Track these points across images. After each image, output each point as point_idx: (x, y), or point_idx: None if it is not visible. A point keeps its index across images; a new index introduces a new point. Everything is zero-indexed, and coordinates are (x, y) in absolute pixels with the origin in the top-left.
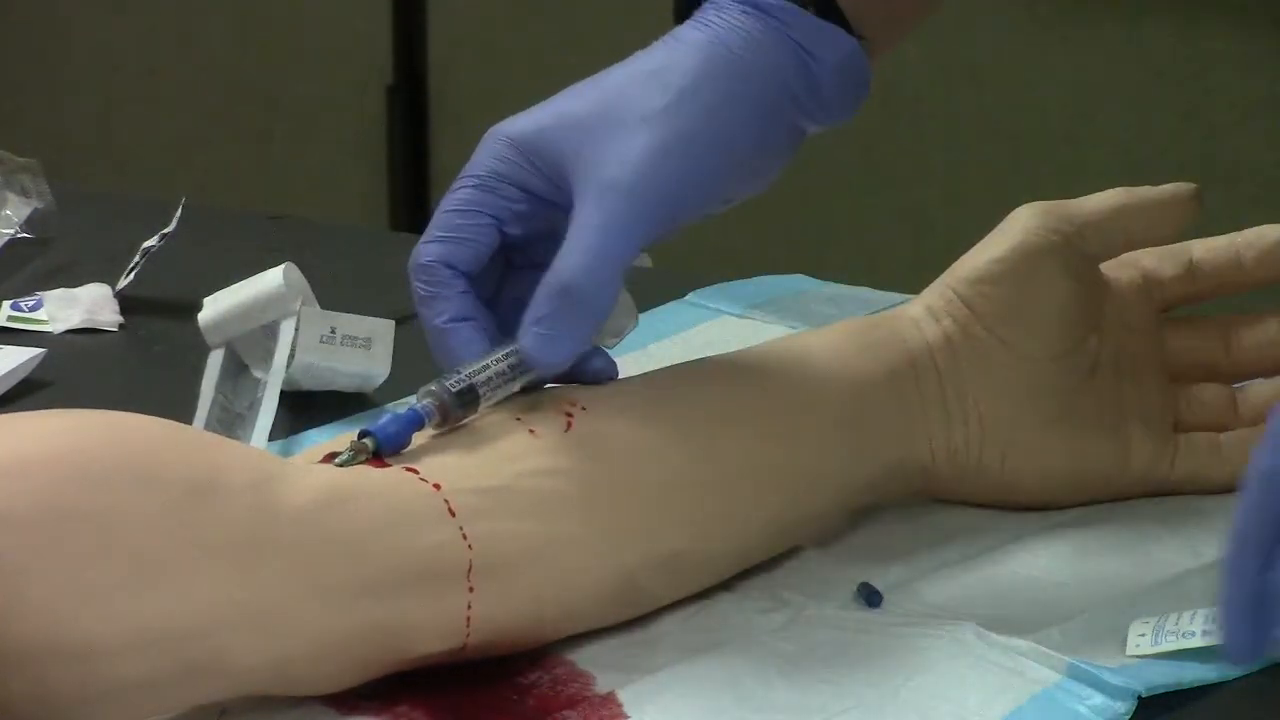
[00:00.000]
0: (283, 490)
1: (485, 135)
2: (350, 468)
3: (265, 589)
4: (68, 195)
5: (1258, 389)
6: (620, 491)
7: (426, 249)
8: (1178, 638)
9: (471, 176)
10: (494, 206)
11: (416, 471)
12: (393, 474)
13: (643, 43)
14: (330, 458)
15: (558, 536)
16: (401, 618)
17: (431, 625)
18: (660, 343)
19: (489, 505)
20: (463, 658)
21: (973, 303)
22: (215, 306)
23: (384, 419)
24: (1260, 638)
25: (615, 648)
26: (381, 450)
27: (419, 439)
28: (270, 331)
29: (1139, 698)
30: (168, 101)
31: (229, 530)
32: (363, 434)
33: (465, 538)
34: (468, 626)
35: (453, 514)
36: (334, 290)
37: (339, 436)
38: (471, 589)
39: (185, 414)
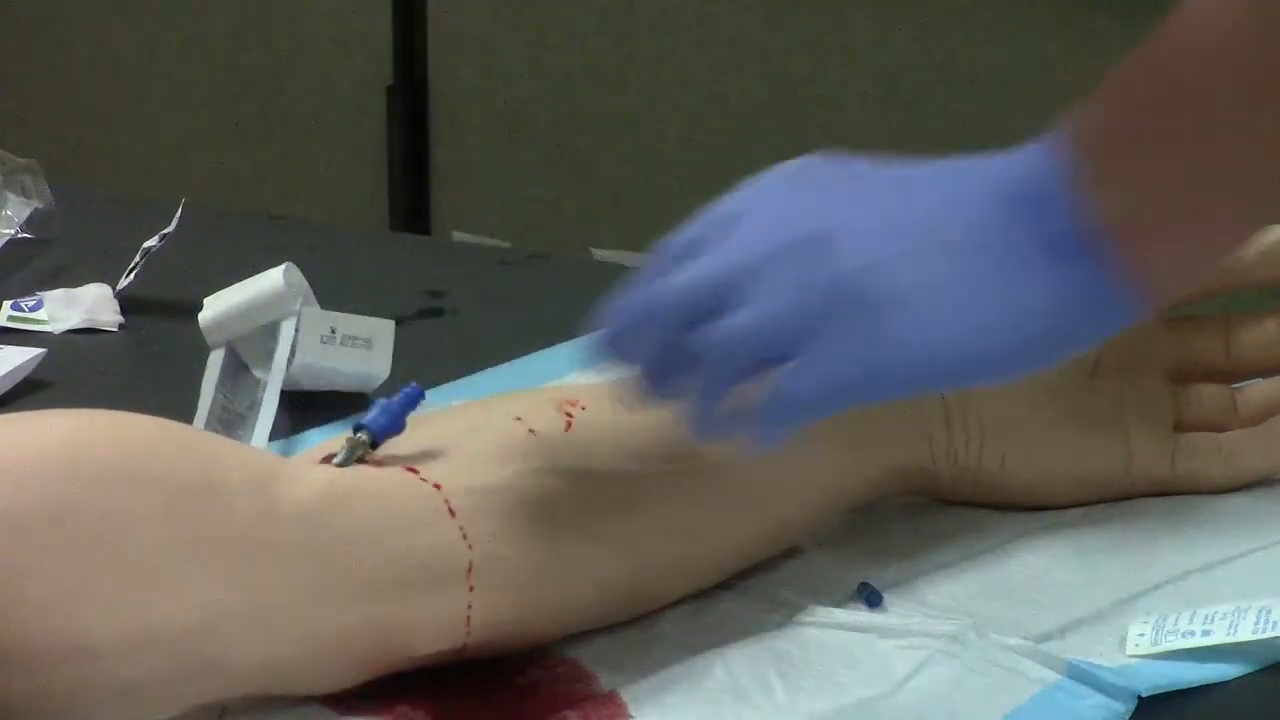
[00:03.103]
0: (283, 490)
1: None
2: (350, 468)
3: (265, 589)
4: (68, 195)
5: (1258, 389)
6: (620, 491)
7: None
8: (1178, 638)
9: None
10: None
11: (416, 471)
12: (393, 474)
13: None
14: (330, 459)
15: (558, 536)
16: (402, 617)
17: (432, 625)
18: None
19: (489, 505)
20: (463, 657)
21: None
22: (215, 306)
23: (373, 411)
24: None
25: (616, 647)
26: (379, 441)
27: (419, 441)
28: (270, 331)
29: (1139, 698)
30: (168, 101)
31: (229, 530)
32: (357, 428)
33: (465, 537)
34: (468, 626)
35: (453, 514)
36: (334, 290)
37: (339, 436)
38: (472, 588)
39: (185, 414)
